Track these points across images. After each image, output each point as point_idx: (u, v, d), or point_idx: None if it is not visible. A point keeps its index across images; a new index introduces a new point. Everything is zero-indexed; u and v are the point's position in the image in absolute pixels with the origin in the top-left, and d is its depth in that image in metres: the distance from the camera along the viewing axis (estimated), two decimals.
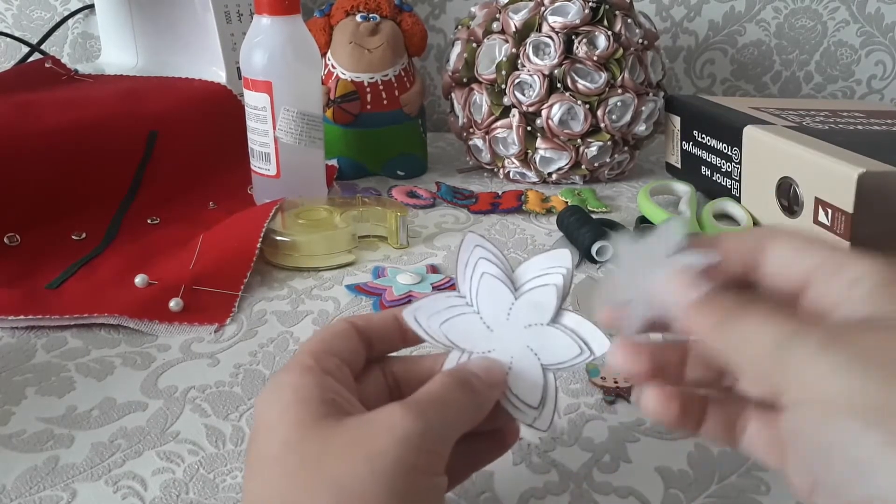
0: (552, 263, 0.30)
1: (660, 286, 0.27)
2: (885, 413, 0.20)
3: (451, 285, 0.54)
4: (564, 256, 0.30)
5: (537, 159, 0.73)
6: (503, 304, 0.31)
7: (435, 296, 0.31)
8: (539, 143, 0.72)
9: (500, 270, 0.31)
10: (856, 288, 0.23)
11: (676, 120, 0.75)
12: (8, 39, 0.94)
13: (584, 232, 0.59)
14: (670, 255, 0.27)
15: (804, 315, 0.25)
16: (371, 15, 0.74)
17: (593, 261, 0.58)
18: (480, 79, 0.73)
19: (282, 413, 0.26)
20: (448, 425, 0.27)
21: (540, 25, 0.71)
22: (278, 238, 0.57)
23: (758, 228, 0.27)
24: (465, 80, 0.75)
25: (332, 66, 0.75)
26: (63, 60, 0.83)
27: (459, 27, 0.78)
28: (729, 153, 0.67)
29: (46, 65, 0.79)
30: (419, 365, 0.32)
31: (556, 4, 0.70)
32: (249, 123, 0.63)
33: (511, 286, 0.31)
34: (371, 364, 0.32)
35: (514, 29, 0.71)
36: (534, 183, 0.76)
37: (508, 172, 0.76)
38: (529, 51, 0.70)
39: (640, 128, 0.74)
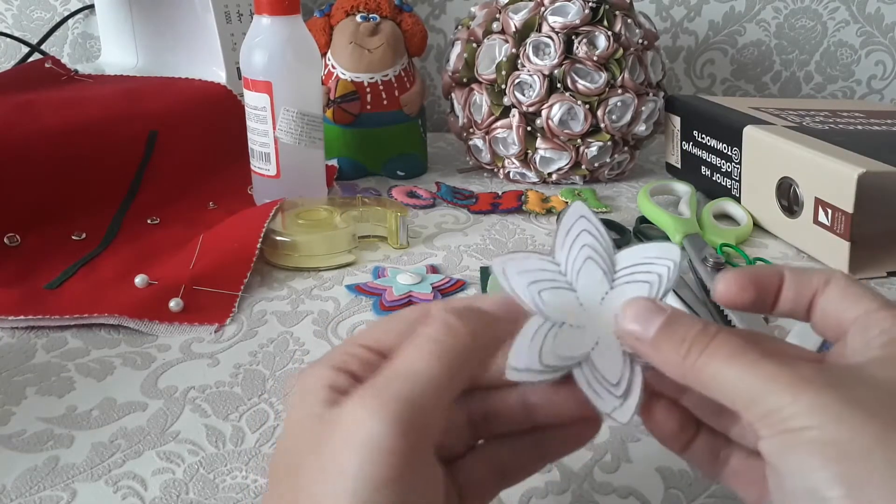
0: (659, 254, 0.29)
1: (617, 323, 0.27)
2: (845, 454, 0.21)
3: (451, 285, 0.54)
4: (672, 251, 0.29)
5: (537, 159, 0.73)
6: (600, 284, 0.29)
7: (528, 253, 0.29)
8: (539, 143, 0.72)
9: (601, 246, 0.29)
10: (876, 339, 0.24)
11: (676, 120, 0.75)
12: (8, 39, 0.94)
13: None
14: (666, 285, 0.28)
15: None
16: (371, 15, 0.74)
17: None
18: (480, 79, 0.73)
19: (299, 402, 0.24)
20: (426, 409, 0.22)
21: (540, 25, 0.71)
22: (278, 238, 0.56)
23: (817, 271, 0.28)
24: (465, 80, 0.75)
25: (332, 66, 0.75)
26: (63, 60, 0.82)
27: (459, 27, 0.78)
28: (729, 153, 0.67)
29: (46, 65, 0.79)
30: (505, 391, 0.29)
31: (556, 4, 0.70)
32: (249, 123, 0.63)
33: (611, 266, 0.29)
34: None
35: (514, 29, 0.71)
36: (534, 183, 0.76)
37: (508, 172, 0.76)
38: (529, 51, 0.70)
39: (640, 128, 0.74)
